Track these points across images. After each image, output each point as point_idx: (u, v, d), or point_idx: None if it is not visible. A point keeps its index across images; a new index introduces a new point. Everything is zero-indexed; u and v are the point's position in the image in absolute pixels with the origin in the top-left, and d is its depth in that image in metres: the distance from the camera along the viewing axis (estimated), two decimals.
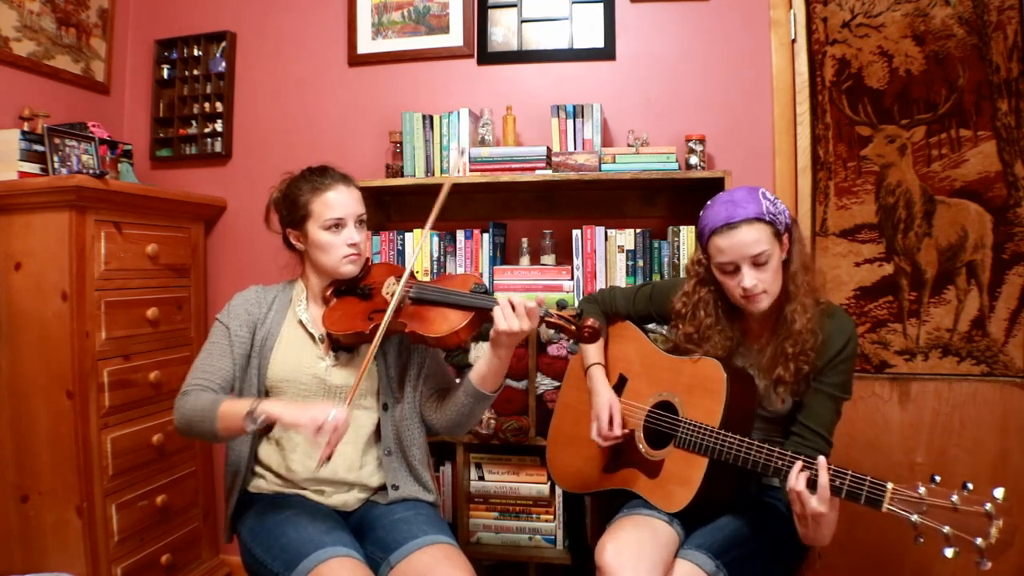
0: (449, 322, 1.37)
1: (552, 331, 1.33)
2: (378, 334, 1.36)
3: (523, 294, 2.07)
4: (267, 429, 1.49)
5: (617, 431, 1.49)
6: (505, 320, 1.31)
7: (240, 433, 1.35)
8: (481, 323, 1.39)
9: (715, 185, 1.96)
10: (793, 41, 2.16)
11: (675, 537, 1.38)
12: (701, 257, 1.47)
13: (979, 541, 1.03)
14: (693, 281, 1.51)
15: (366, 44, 2.42)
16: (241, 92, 2.52)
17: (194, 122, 2.54)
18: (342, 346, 1.49)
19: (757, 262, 1.34)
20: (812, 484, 1.18)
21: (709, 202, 1.42)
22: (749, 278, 1.34)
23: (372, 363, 1.51)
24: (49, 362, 1.87)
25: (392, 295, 1.43)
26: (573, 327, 1.32)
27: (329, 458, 1.26)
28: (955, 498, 1.06)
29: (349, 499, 1.49)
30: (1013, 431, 2.05)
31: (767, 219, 1.34)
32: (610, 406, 1.52)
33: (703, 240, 1.41)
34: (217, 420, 1.32)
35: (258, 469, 1.51)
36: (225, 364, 1.46)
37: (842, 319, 1.42)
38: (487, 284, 2.11)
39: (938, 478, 1.10)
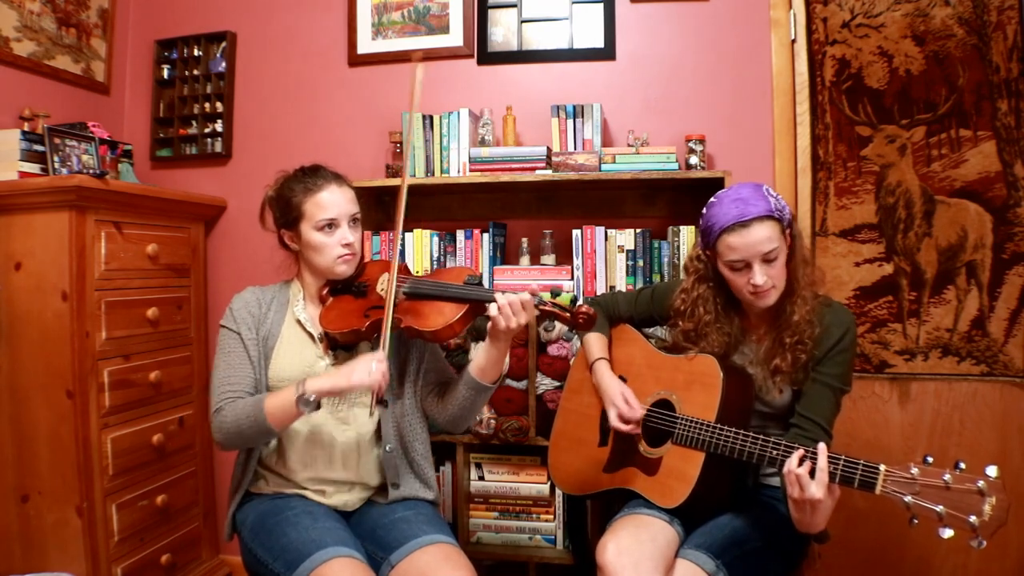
0: (443, 315, 1.37)
1: (547, 320, 1.33)
2: (385, 329, 1.36)
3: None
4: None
5: (637, 411, 1.49)
6: (504, 320, 1.32)
7: (294, 420, 1.37)
8: (476, 315, 1.39)
9: (715, 185, 1.96)
10: (793, 41, 2.16)
11: (675, 537, 1.38)
12: (700, 253, 1.49)
13: (973, 519, 1.02)
14: (692, 278, 1.52)
15: (366, 44, 2.42)
16: (241, 92, 2.52)
17: (194, 122, 2.54)
18: (340, 345, 1.49)
19: (767, 259, 1.35)
20: (811, 472, 1.18)
21: (714, 199, 1.43)
22: (760, 275, 1.35)
23: None
24: (49, 362, 1.87)
25: (386, 292, 1.43)
26: (568, 313, 1.32)
27: (381, 401, 1.30)
28: (947, 477, 1.06)
29: (350, 499, 1.49)
30: (1013, 431, 2.05)
31: (776, 216, 1.36)
32: (621, 391, 1.52)
33: (711, 238, 1.41)
34: (267, 418, 1.33)
35: (259, 469, 1.51)
36: (247, 370, 1.45)
37: (840, 311, 1.43)
38: (487, 285, 2.13)
39: (931, 459, 1.09)
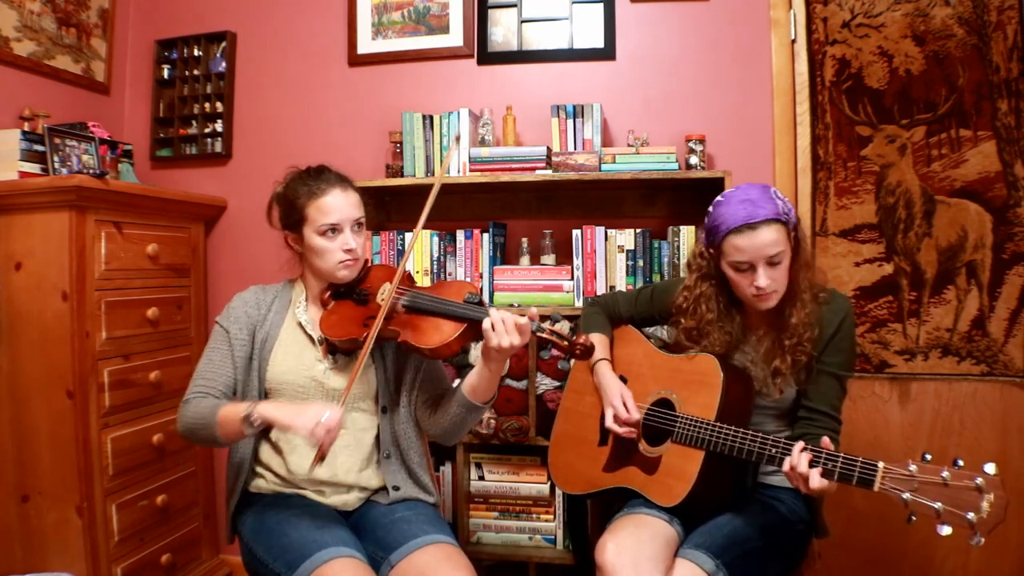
0: (441, 333, 1.34)
1: (545, 348, 1.29)
2: (368, 343, 1.35)
3: (522, 295, 2.09)
4: (268, 429, 1.47)
5: (634, 414, 1.49)
6: (496, 336, 1.29)
7: (240, 437, 1.37)
8: (474, 334, 1.36)
9: (715, 185, 1.96)
10: (793, 41, 2.16)
11: (675, 536, 1.38)
12: (704, 251, 1.48)
13: (971, 515, 1.02)
14: (695, 276, 1.51)
15: (366, 44, 2.42)
16: (241, 92, 2.52)
17: (194, 122, 2.54)
18: (339, 350, 1.48)
19: (772, 262, 1.35)
20: (813, 464, 1.18)
21: (721, 198, 1.42)
22: (763, 278, 1.35)
23: (371, 367, 1.50)
24: (49, 362, 1.87)
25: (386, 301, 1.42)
26: (566, 343, 1.30)
27: (323, 459, 1.26)
28: (946, 474, 1.06)
29: (349, 499, 1.49)
30: (1013, 431, 2.05)
31: (783, 219, 1.36)
32: (621, 393, 1.52)
33: (716, 237, 1.40)
34: (217, 426, 1.33)
35: (258, 469, 1.51)
36: (226, 369, 1.46)
37: (836, 300, 1.43)
38: (487, 285, 2.13)
39: (929, 456, 1.09)
